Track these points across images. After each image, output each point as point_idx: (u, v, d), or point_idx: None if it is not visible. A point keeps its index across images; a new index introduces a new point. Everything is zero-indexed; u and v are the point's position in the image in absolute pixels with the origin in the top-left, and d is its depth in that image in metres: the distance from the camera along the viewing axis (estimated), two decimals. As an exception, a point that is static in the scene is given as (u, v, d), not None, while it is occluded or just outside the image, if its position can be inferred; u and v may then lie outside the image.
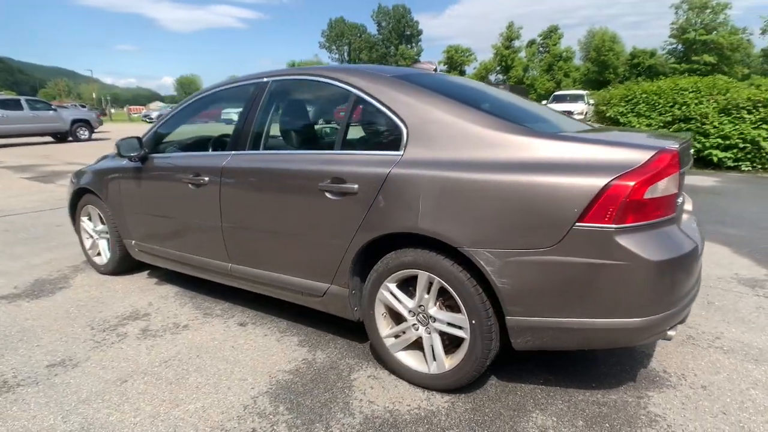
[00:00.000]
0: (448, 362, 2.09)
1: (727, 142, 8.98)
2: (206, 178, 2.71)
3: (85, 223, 3.78)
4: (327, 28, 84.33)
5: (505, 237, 1.83)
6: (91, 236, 3.78)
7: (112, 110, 43.39)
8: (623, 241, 1.69)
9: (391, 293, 2.18)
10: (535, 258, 1.79)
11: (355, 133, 2.46)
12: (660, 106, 10.36)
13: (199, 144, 3.47)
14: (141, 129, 28.75)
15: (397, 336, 2.25)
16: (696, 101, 9.86)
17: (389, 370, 2.31)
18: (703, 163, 9.14)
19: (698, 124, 9.56)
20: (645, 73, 48.74)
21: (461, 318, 1.99)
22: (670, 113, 10.09)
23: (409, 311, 2.16)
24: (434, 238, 1.97)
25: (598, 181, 1.70)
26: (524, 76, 60.43)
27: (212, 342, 2.64)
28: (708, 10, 45.92)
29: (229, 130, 3.61)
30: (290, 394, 2.15)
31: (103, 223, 3.64)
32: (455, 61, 68.21)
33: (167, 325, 2.86)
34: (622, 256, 1.69)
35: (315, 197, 2.29)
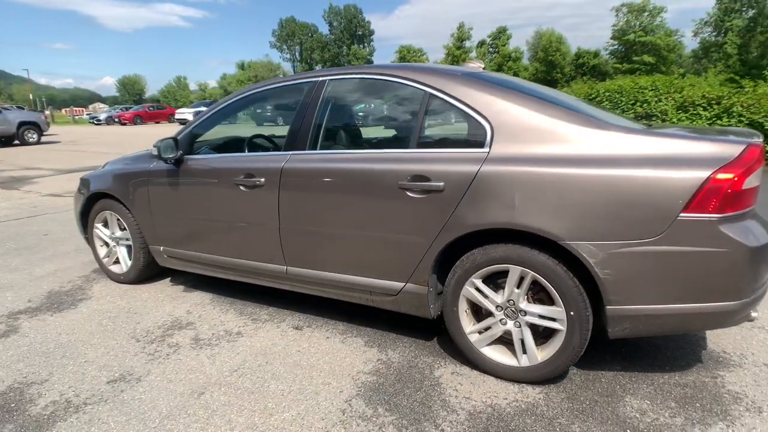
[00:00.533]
0: (541, 354, 2.13)
1: (688, 137, 9.53)
2: (262, 180, 2.62)
3: (100, 230, 3.56)
4: (278, 28, 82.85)
5: (608, 229, 1.88)
6: (107, 244, 3.57)
7: (50, 111, 40.77)
8: (725, 229, 1.79)
9: (477, 289, 2.20)
10: (639, 249, 1.86)
11: (430, 131, 2.45)
12: (623, 104, 10.91)
13: (232, 145, 3.35)
14: (90, 131, 27.43)
15: (480, 332, 2.27)
16: (656, 99, 10.48)
17: (473, 366, 2.32)
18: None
19: (659, 121, 10.13)
20: (590, 72, 51.04)
21: (557, 311, 2.04)
22: (633, 111, 10.65)
23: (497, 306, 2.18)
24: (528, 232, 2.01)
25: (701, 174, 1.79)
26: (475, 76, 61.53)
27: (274, 348, 2.57)
28: (646, 13, 48.55)
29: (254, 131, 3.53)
30: (382, 395, 2.13)
31: (122, 229, 3.44)
32: (408, 61, 68.82)
33: (218, 332, 2.76)
34: (724, 244, 1.79)
35: (394, 196, 2.27)
